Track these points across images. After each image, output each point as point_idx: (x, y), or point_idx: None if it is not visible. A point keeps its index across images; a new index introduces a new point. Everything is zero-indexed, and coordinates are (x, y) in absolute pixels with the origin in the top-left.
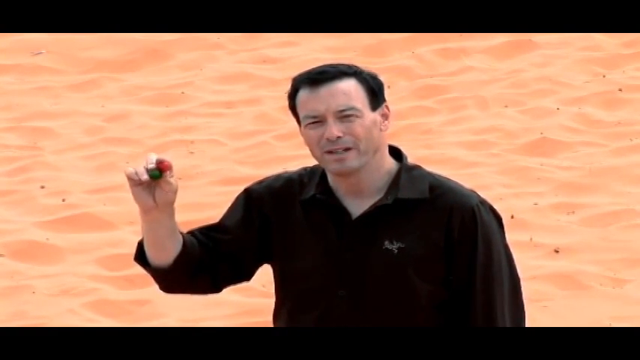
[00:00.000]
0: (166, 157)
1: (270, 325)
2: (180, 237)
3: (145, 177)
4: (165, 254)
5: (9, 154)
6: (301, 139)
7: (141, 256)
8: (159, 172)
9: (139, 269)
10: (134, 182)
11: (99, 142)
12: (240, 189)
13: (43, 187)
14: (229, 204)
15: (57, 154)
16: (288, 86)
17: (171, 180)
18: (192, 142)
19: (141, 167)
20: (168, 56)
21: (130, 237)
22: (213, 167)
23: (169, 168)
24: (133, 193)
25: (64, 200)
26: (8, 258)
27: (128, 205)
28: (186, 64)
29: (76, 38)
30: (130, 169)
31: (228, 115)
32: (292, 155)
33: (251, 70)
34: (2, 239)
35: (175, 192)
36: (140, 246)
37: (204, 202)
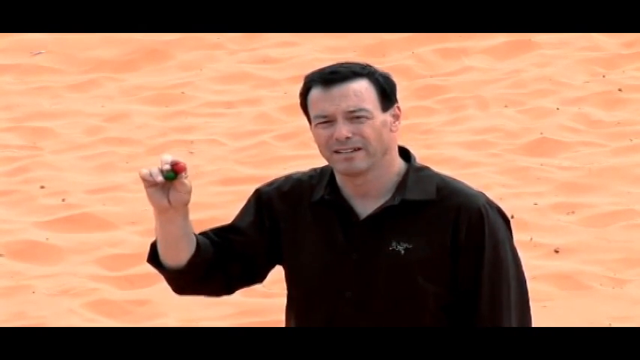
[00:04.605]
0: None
1: (270, 324)
2: (194, 238)
3: (159, 178)
4: (179, 255)
5: (9, 154)
6: (301, 139)
7: (154, 258)
8: (174, 173)
9: (138, 269)
10: (149, 183)
11: (99, 142)
12: (240, 189)
13: (42, 187)
14: (229, 204)
15: (57, 154)
16: (288, 86)
17: (186, 181)
18: (192, 142)
19: (155, 168)
20: (168, 56)
21: (130, 237)
22: (213, 167)
23: (184, 169)
24: (148, 194)
25: (63, 200)
26: (8, 258)
27: (128, 205)
28: (186, 64)
29: (76, 38)
30: (145, 171)
31: (228, 115)
32: (292, 155)
33: (251, 70)
34: (2, 239)
35: (190, 192)
36: (153, 248)
37: (204, 202)
